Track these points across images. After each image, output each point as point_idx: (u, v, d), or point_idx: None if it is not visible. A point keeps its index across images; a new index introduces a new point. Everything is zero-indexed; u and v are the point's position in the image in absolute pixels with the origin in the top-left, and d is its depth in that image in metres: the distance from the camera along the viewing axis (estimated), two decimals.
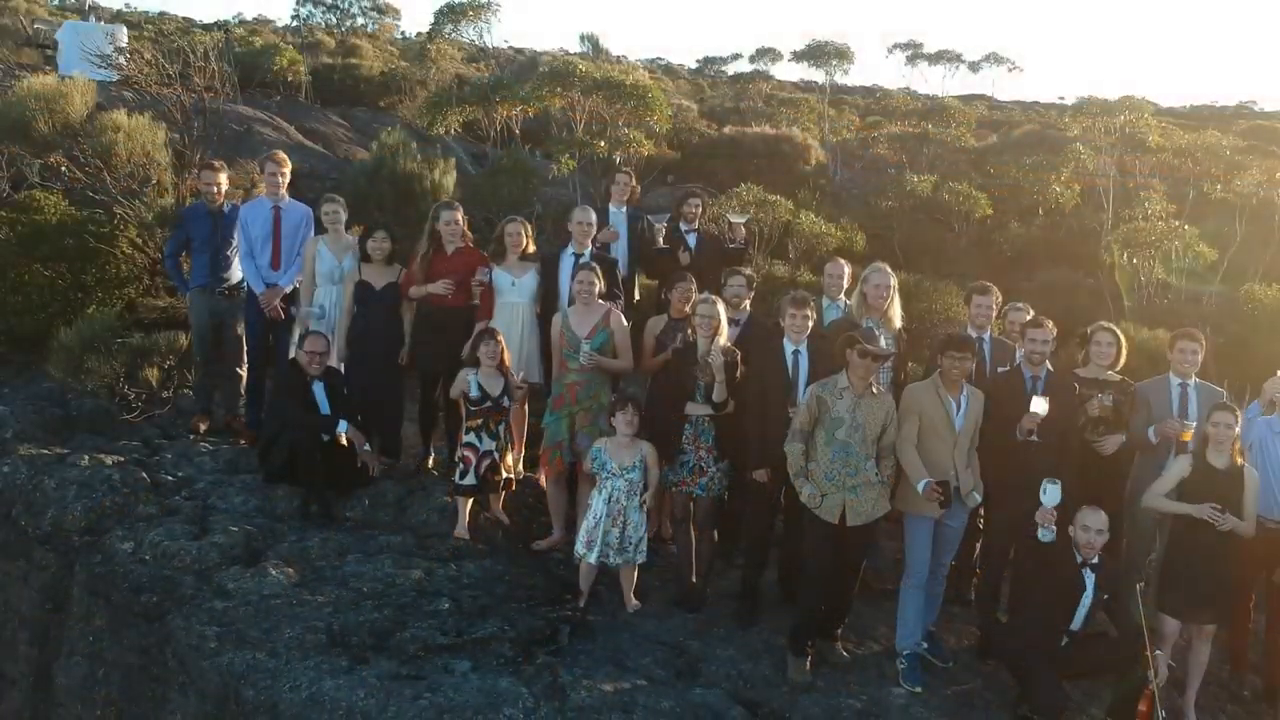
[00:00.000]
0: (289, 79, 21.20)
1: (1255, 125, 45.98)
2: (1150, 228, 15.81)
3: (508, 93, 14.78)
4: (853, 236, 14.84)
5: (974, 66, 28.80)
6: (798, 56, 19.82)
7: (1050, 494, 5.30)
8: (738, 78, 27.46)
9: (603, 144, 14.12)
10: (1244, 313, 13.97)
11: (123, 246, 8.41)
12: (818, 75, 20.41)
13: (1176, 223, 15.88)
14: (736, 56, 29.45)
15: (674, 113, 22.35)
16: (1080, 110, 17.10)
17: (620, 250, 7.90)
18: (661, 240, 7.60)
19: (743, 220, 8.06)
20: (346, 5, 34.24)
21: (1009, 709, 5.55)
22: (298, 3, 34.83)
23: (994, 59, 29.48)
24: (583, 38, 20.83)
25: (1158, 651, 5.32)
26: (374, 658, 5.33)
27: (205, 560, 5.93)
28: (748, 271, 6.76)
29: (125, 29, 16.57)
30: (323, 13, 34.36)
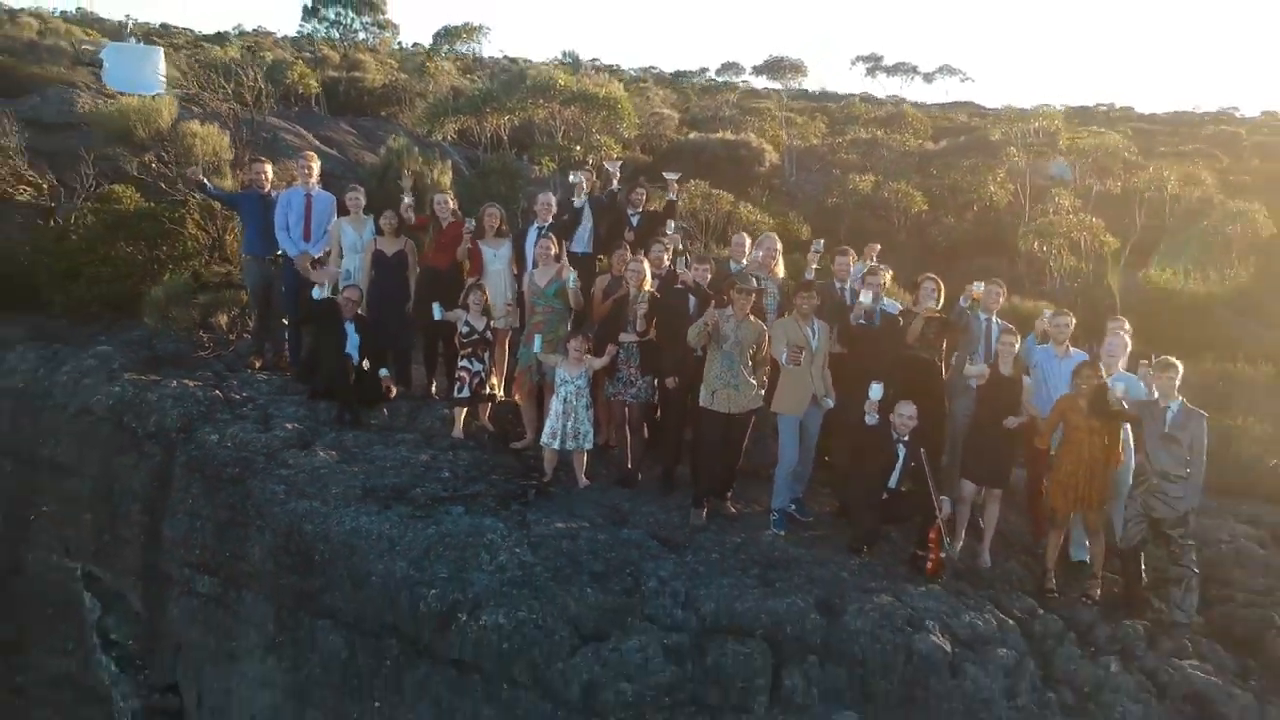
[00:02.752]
0: (301, 91, 23.44)
1: (1220, 131, 48.77)
2: (1061, 220, 18.23)
3: (497, 104, 17.06)
4: (796, 226, 17.19)
5: (928, 78, 31.04)
6: (758, 70, 22.07)
7: (875, 390, 7.50)
8: (708, 87, 29.71)
9: (579, 148, 16.39)
10: (1145, 292, 16.40)
11: (190, 228, 10.67)
12: (776, 86, 22.62)
13: (1084, 215, 18.31)
14: (704, 70, 31.68)
15: (644, 120, 24.72)
16: (999, 117, 19.37)
17: (584, 231, 10.11)
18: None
19: (675, 177, 10.20)
20: (349, 21, 36.60)
21: (846, 543, 7.80)
22: (303, 19, 37.39)
23: (947, 70, 31.76)
24: (565, 55, 22.98)
25: (942, 497, 7.55)
26: (395, 505, 7.58)
27: (271, 446, 8.18)
28: (665, 240, 8.99)
29: (161, 51, 18.85)
30: (326, 28, 36.74)
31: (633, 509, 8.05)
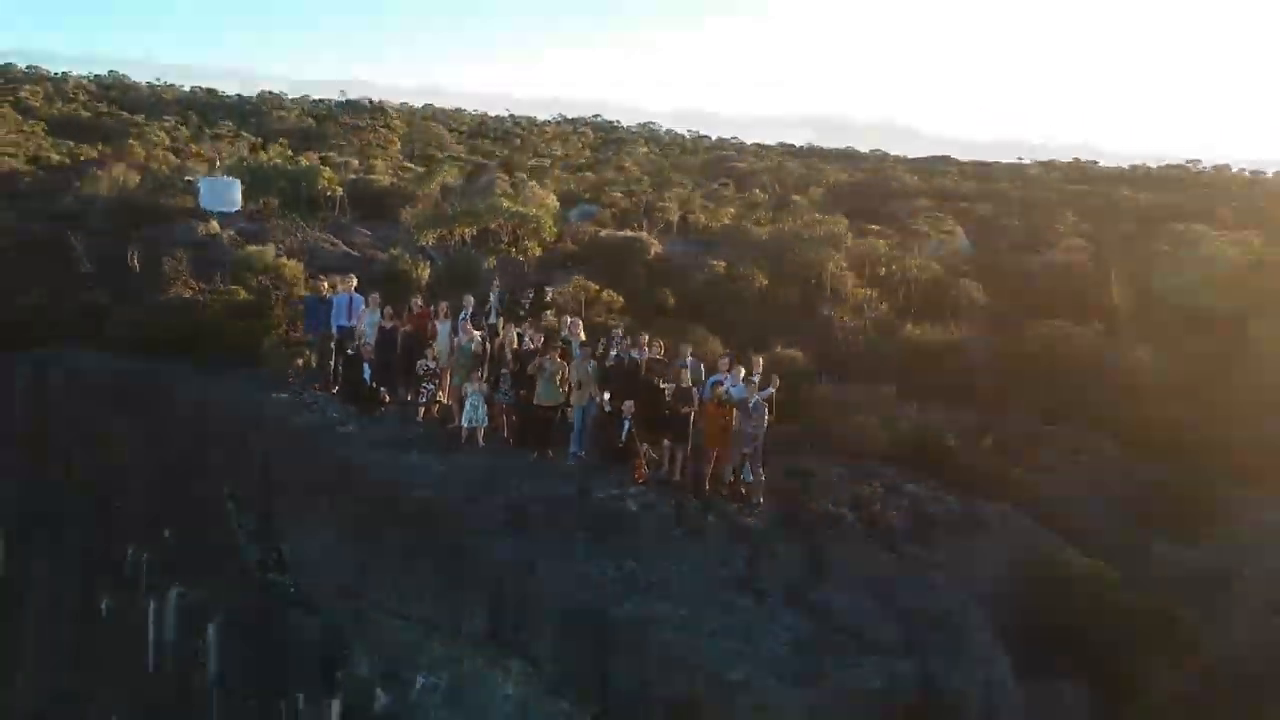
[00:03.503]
0: (327, 195, 32.27)
1: (1150, 203, 58.26)
2: (852, 294, 26.91)
3: (463, 220, 25.82)
4: (664, 298, 25.85)
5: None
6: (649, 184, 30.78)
7: (606, 394, 16.01)
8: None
9: (515, 249, 25.14)
10: (904, 345, 25.00)
11: (277, 311, 19.34)
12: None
13: (868, 290, 27.01)
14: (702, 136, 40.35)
15: (600, 200, 33.38)
16: (809, 223, 28.06)
17: (495, 303, 18.74)
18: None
19: (551, 288, 19.01)
20: (363, 124, 45.80)
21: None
22: (318, 124, 46.67)
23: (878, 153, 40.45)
24: (512, 192, 31.88)
25: (645, 445, 15.99)
26: (388, 449, 16.15)
27: (328, 424, 16.80)
28: (532, 321, 17.59)
29: (239, 181, 27.84)
30: (344, 131, 45.91)
31: (504, 454, 16.57)
